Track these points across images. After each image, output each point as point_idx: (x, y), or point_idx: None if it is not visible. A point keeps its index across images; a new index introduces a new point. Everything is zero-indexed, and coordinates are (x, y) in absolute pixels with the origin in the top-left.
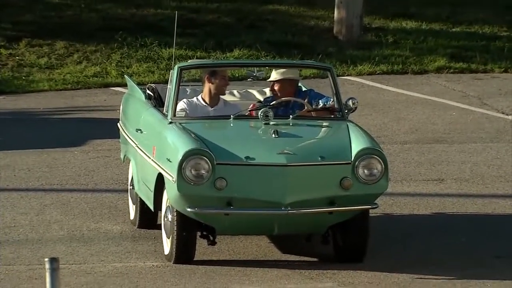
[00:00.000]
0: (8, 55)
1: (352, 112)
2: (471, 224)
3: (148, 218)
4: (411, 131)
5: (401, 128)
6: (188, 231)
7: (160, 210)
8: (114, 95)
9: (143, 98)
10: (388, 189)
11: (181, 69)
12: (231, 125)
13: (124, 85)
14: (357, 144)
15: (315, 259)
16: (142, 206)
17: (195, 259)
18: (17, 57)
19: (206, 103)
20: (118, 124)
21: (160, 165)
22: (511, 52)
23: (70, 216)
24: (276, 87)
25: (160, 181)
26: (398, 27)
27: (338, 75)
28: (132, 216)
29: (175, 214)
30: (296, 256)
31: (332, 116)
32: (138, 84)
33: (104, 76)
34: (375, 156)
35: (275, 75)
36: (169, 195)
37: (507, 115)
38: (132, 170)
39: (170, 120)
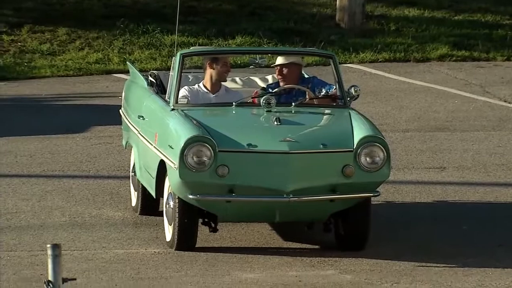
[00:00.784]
0: (10, 41)
1: (355, 100)
2: (473, 212)
3: (150, 205)
4: (413, 119)
5: (403, 116)
6: (190, 218)
7: (162, 197)
8: (116, 82)
9: (145, 85)
10: (390, 177)
11: (183, 56)
12: (233, 112)
13: (126, 71)
14: (359, 132)
15: (316, 247)
16: (144, 192)
17: (196, 246)
18: (19, 43)
19: (207, 89)
20: (120, 110)
21: (162, 152)
22: None
23: (72, 202)
24: (282, 72)
25: (162, 168)
26: (401, 15)
27: (340, 63)
28: (134, 203)
29: (177, 201)
30: (297, 243)
31: (335, 104)
32: (140, 70)
33: (106, 63)
34: (377, 144)
35: (280, 60)
36: (171, 182)
37: (509, 103)
38: (134, 157)
39: (172, 107)
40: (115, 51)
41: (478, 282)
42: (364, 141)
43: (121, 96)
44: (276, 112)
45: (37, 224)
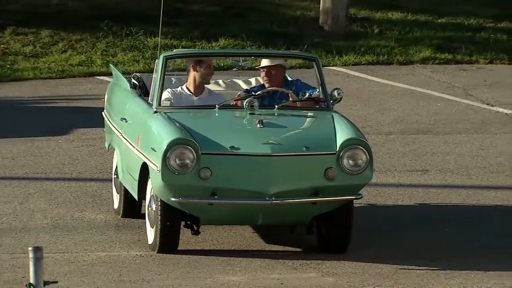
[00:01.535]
0: None
1: (337, 102)
2: (455, 215)
3: (132, 208)
4: (396, 121)
5: (386, 119)
6: (172, 220)
7: (144, 199)
8: (99, 84)
9: (128, 87)
10: (372, 179)
11: (166, 59)
12: (216, 114)
13: (109, 74)
14: (342, 135)
15: (299, 249)
16: (126, 195)
17: (179, 248)
18: (2, 45)
19: (190, 92)
20: (103, 113)
21: (145, 155)
22: (496, 44)
23: (54, 205)
24: (269, 73)
25: (144, 171)
26: (384, 17)
27: (323, 66)
28: (116, 205)
29: (159, 204)
30: (280, 246)
31: (317, 106)
32: (123, 73)
33: (89, 65)
34: (360, 147)
35: (266, 62)
36: (153, 185)
37: (492, 106)
38: (116, 159)
39: (155, 110)
40: (98, 53)
41: (460, 285)
42: (347, 144)
43: (104, 99)
44: (259, 114)
45: (19, 226)
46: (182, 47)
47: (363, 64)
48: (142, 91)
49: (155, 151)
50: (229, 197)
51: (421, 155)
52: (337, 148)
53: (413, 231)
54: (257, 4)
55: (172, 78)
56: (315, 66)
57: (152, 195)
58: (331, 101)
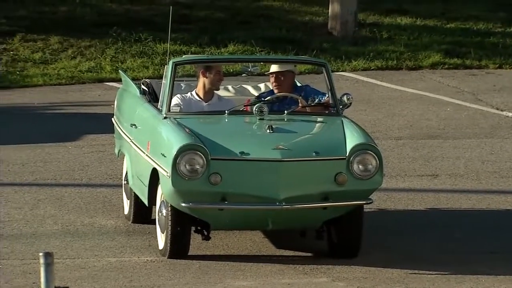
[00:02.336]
0: (2, 50)
1: (347, 107)
2: (466, 219)
3: (142, 213)
4: (405, 126)
5: (396, 124)
6: (183, 226)
7: (154, 205)
8: (109, 90)
9: (137, 93)
10: (382, 184)
11: (175, 64)
12: (226, 120)
13: (119, 80)
14: (351, 140)
15: (309, 254)
16: (136, 201)
17: (189, 254)
18: (11, 52)
19: (200, 98)
20: (113, 119)
21: (155, 160)
22: (506, 48)
23: (64, 210)
24: (278, 79)
25: (154, 176)
26: (393, 23)
27: (332, 71)
28: (126, 211)
29: (169, 209)
30: (290, 251)
31: (327, 111)
32: (133, 79)
33: (98, 71)
34: (370, 152)
35: (276, 67)
36: (164, 190)
37: (501, 111)
38: (126, 165)
39: (164, 115)
40: (107, 59)
41: None
42: (357, 149)
43: (114, 105)
44: (268, 120)
45: (30, 232)
46: (191, 53)
47: (372, 70)
48: (152, 97)
49: (165, 156)
50: (239, 203)
51: (431, 160)
52: (347, 153)
53: (423, 236)
54: (266, 10)
55: (181, 84)
56: (324, 71)
57: (162, 200)
58: (341, 107)
